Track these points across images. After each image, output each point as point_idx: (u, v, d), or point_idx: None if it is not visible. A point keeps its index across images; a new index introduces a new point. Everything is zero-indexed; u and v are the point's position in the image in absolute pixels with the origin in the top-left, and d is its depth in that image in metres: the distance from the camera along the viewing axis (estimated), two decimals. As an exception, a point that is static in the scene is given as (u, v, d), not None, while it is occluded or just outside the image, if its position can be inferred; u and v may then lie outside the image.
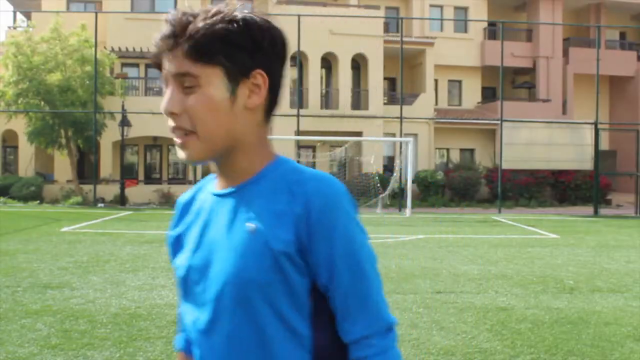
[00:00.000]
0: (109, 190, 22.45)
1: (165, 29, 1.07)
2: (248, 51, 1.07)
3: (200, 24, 1.05)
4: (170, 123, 1.07)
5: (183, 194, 1.27)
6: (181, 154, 1.09)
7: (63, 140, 22.00)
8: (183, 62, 1.05)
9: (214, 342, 1.10)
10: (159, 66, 1.11)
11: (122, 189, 21.35)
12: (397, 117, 22.10)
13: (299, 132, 21.35)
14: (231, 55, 1.06)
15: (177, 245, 1.22)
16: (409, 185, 19.47)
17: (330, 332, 1.12)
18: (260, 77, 1.09)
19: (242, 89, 1.08)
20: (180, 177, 26.90)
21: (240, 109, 1.08)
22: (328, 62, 25.69)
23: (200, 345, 1.13)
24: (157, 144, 26.32)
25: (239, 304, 1.07)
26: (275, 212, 1.07)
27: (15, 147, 25.18)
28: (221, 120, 1.07)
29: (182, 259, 1.17)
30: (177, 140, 1.08)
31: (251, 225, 1.08)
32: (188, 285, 1.16)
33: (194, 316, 1.15)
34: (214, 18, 1.06)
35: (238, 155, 1.11)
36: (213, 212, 1.15)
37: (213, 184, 1.20)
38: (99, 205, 20.76)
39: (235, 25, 1.06)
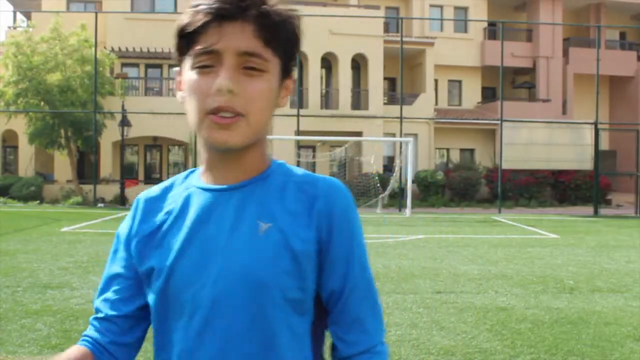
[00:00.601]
0: (109, 190, 22.45)
1: None
2: (296, 52, 1.05)
3: (274, 6, 1.00)
4: (217, 101, 0.97)
5: (147, 191, 1.15)
6: (222, 136, 0.98)
7: (63, 140, 22.00)
8: (252, 40, 0.97)
9: (208, 350, 1.00)
10: (188, 37, 0.99)
11: (122, 189, 21.35)
12: (397, 117, 22.10)
13: (299, 132, 21.35)
14: (291, 50, 1.04)
15: (143, 245, 1.07)
16: (409, 185, 19.47)
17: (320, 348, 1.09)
18: (291, 80, 1.08)
19: (282, 87, 1.05)
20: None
21: (274, 105, 1.05)
22: (328, 62, 25.69)
23: (188, 356, 1.02)
24: (157, 144, 26.31)
25: (245, 308, 0.99)
26: (291, 211, 1.02)
27: (15, 147, 25.18)
28: (269, 110, 1.03)
29: (161, 261, 1.04)
30: (220, 121, 0.97)
31: (264, 223, 1.01)
32: (166, 292, 1.03)
33: (179, 324, 1.02)
34: (285, 6, 1.01)
35: (252, 150, 1.05)
36: (207, 208, 1.04)
37: (197, 179, 1.10)
38: (99, 205, 20.76)
39: (299, 21, 1.04)
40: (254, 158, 1.06)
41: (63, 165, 23.54)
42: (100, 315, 1.10)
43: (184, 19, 1.00)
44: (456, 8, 28.53)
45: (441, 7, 28.34)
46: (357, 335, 1.05)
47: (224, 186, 1.05)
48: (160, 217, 1.09)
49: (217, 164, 1.06)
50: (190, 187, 1.09)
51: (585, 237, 12.99)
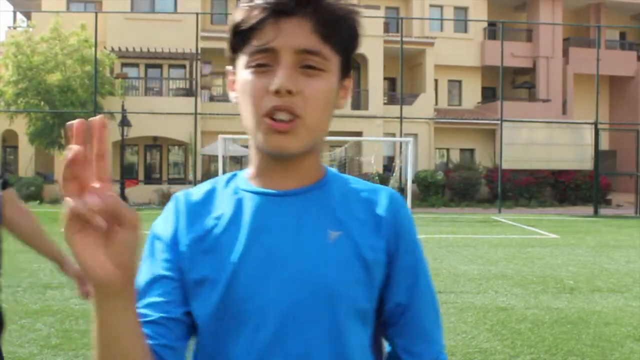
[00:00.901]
0: (109, 190, 22.42)
1: None
2: (356, 49, 0.99)
3: (334, 1, 0.93)
4: (273, 102, 0.90)
5: (186, 192, 1.05)
6: (280, 142, 0.92)
7: (63, 140, 22.00)
8: (311, 37, 0.91)
9: None
10: (243, 34, 0.92)
11: (122, 189, 21.35)
12: (397, 117, 22.10)
13: (299, 132, 21.33)
14: (352, 47, 0.97)
15: (194, 250, 0.96)
16: (409, 185, 19.47)
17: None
18: (350, 80, 1.02)
19: (341, 87, 0.99)
20: (180, 177, 26.90)
21: (333, 106, 0.98)
22: (328, 62, 25.68)
23: None
24: (157, 144, 26.31)
25: (320, 319, 0.93)
26: (359, 219, 0.98)
27: (15, 147, 25.18)
28: (329, 112, 0.97)
29: (217, 269, 0.94)
30: (278, 126, 0.91)
31: (333, 232, 0.96)
32: (225, 304, 0.93)
33: (239, 338, 0.93)
34: (345, 1, 0.95)
35: (310, 155, 0.99)
36: (265, 214, 0.96)
37: (245, 183, 1.01)
38: (99, 205, 20.74)
39: (359, 16, 0.97)
40: (312, 163, 1.00)
41: (63, 165, 23.50)
42: (149, 319, 0.92)
43: (238, 14, 0.93)
44: (456, 8, 28.54)
45: (441, 7, 28.35)
46: (423, 346, 1.03)
47: (281, 191, 0.98)
48: (209, 221, 0.98)
49: (271, 169, 0.98)
50: (240, 192, 1.00)
51: (585, 237, 12.99)
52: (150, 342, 0.89)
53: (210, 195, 1.02)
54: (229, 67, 1.00)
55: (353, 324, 0.95)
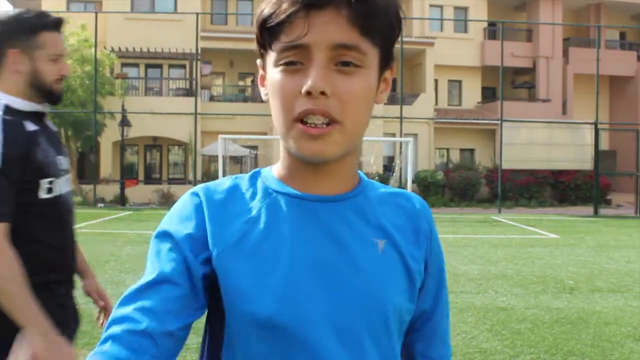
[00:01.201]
0: (109, 190, 22.45)
1: None
2: (397, 38, 0.88)
3: None
4: (306, 105, 0.81)
5: (205, 187, 0.92)
6: (315, 147, 0.82)
7: (63, 140, 21.99)
8: (347, 30, 0.80)
9: None
10: (272, 29, 0.83)
11: (122, 189, 21.35)
12: (397, 117, 22.10)
13: (299, 132, 21.33)
14: (391, 38, 0.86)
15: (230, 257, 0.85)
16: (409, 185, 19.47)
17: None
18: (391, 72, 0.91)
19: (381, 81, 0.89)
20: (180, 177, 26.91)
21: (373, 104, 0.88)
22: (328, 62, 25.69)
23: None
24: (157, 144, 26.32)
25: (377, 338, 0.87)
26: (399, 227, 0.93)
27: (15, 147, 25.16)
28: (368, 113, 0.87)
29: (263, 282, 0.84)
30: (312, 131, 0.81)
31: (380, 240, 0.90)
32: (272, 321, 0.83)
33: (287, 358, 0.84)
34: None
35: (348, 159, 0.90)
36: (307, 221, 0.87)
37: (277, 184, 0.91)
38: (99, 205, 20.76)
39: (399, 2, 0.87)
40: (349, 167, 0.92)
41: (63, 165, 23.52)
42: (135, 327, 0.79)
43: (266, 8, 0.83)
44: (456, 8, 28.54)
45: (441, 7, 28.35)
46: (440, 350, 1.03)
47: (321, 196, 0.89)
48: (239, 224, 0.87)
49: (304, 173, 0.89)
50: (273, 193, 0.90)
51: (585, 237, 12.99)
52: (133, 359, 0.77)
53: (234, 192, 0.91)
54: (258, 61, 0.91)
55: (399, 339, 0.92)
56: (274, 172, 0.93)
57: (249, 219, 0.87)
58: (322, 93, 0.80)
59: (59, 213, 1.93)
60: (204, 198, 0.89)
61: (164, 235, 0.87)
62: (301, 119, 0.81)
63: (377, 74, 0.87)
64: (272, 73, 0.85)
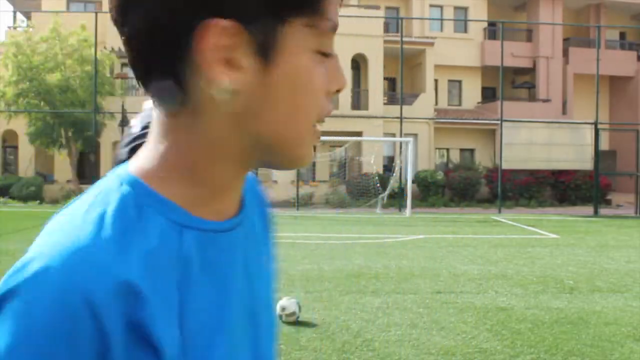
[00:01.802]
0: (109, 190, 22.45)
1: None
2: None
3: None
4: (330, 105, 0.64)
5: (113, 267, 0.53)
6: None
7: (63, 141, 22.01)
8: None
9: None
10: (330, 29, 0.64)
11: (122, 189, 21.35)
12: (397, 117, 22.10)
13: (299, 132, 21.33)
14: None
15: (191, 343, 0.57)
16: (409, 185, 19.47)
17: None
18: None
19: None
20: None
21: None
22: (328, 62, 25.70)
23: None
24: (157, 144, 26.32)
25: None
26: (262, 225, 0.76)
27: (15, 147, 25.18)
28: None
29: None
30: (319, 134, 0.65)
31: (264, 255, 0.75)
32: None
33: None
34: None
35: None
36: (221, 261, 0.63)
37: (181, 214, 0.60)
38: (99, 205, 20.76)
39: None
40: None
41: (63, 165, 23.54)
42: None
43: None
44: (456, 8, 28.55)
45: (441, 7, 28.35)
46: None
47: (226, 222, 0.65)
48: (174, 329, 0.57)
49: (232, 188, 0.65)
50: (184, 231, 0.60)
51: (585, 237, 12.99)
52: None
53: (137, 258, 0.55)
54: (221, 21, 0.55)
55: None
56: (165, 193, 0.61)
57: (188, 280, 0.59)
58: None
59: None
60: (129, 281, 0.53)
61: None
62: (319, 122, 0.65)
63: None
64: (299, 59, 0.61)
